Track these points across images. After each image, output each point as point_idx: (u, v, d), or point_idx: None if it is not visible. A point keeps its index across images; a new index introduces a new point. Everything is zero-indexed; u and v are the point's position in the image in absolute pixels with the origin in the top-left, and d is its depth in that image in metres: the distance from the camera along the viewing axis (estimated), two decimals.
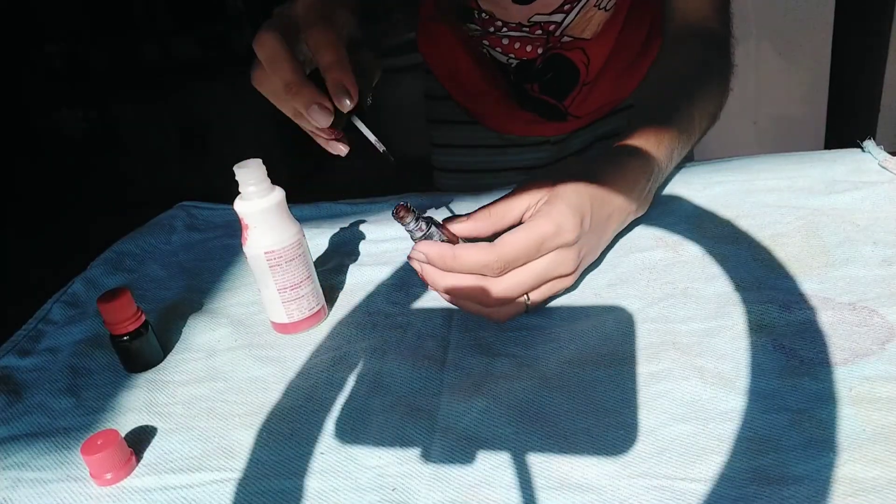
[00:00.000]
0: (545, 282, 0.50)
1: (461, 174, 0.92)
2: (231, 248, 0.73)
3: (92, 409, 0.52)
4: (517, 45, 0.78)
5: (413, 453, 0.43)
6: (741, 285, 0.53)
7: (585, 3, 0.74)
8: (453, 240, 0.51)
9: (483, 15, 0.75)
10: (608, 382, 0.46)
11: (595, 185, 0.52)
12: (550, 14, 0.74)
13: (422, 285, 0.60)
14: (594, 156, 0.55)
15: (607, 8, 0.76)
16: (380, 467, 0.42)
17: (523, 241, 0.48)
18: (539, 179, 0.52)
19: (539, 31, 0.76)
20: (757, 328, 0.48)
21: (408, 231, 0.51)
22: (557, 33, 0.77)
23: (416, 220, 0.50)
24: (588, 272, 0.58)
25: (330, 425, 0.46)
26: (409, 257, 0.51)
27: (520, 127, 0.86)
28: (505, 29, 0.76)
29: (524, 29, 0.76)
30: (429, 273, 0.50)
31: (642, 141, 0.57)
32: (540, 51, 0.79)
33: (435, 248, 0.49)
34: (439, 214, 0.70)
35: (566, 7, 0.74)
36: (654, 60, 0.73)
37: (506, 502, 0.39)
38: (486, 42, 0.80)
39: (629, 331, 0.50)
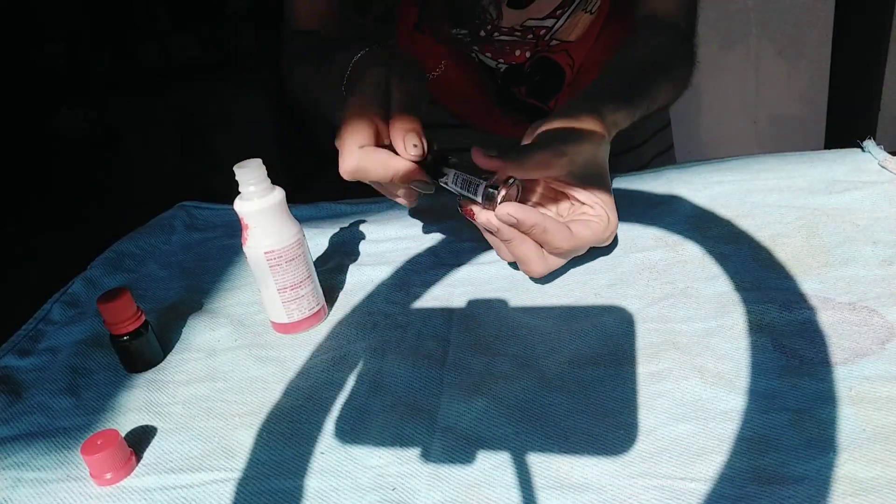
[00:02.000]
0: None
1: None
2: (231, 248, 0.73)
3: (92, 409, 0.52)
4: (506, 50, 0.78)
5: (413, 453, 0.43)
6: (741, 285, 0.53)
7: (575, 8, 0.75)
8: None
9: (477, 21, 0.75)
10: (608, 382, 0.46)
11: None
12: (543, 19, 0.75)
13: (422, 285, 0.60)
14: (591, 137, 0.57)
15: (592, 11, 0.77)
16: (380, 467, 0.42)
17: (589, 240, 0.54)
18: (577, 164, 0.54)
19: (530, 36, 0.77)
20: (757, 328, 0.48)
21: (457, 188, 0.53)
22: (547, 37, 0.77)
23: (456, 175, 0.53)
24: (588, 272, 0.58)
25: (330, 425, 0.46)
26: (470, 211, 0.53)
27: (505, 129, 0.86)
28: (496, 34, 0.76)
29: (516, 33, 0.76)
30: (504, 229, 0.52)
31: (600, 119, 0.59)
32: (528, 54, 0.79)
33: (529, 218, 0.51)
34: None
35: (558, 12, 0.75)
36: (619, 48, 0.75)
37: (506, 502, 0.39)
38: (475, 47, 0.80)
39: (629, 331, 0.50)
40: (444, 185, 0.53)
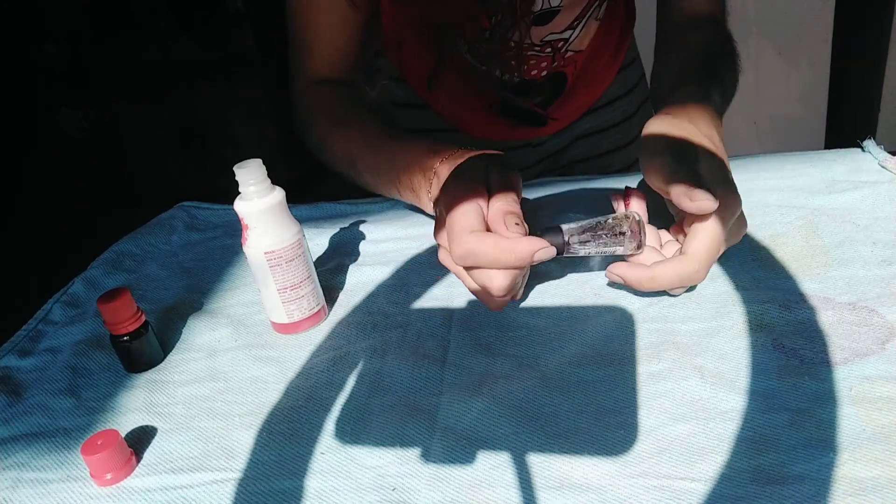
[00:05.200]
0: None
1: None
2: (231, 248, 0.73)
3: (92, 409, 0.52)
4: (524, 68, 0.78)
5: (413, 453, 0.43)
6: (741, 285, 0.53)
7: (588, 17, 0.75)
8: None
9: (509, 37, 0.74)
10: (608, 382, 0.46)
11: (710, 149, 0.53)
12: (562, 32, 0.75)
13: (422, 285, 0.60)
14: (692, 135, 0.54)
15: (599, 17, 0.77)
16: (380, 467, 0.42)
17: (714, 242, 0.49)
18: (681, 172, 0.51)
19: (548, 50, 0.77)
20: (757, 328, 0.48)
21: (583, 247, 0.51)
22: (563, 49, 0.77)
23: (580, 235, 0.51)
24: (588, 272, 0.58)
25: (330, 425, 0.46)
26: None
27: (501, 132, 0.86)
28: (516, 49, 0.76)
29: (535, 48, 0.76)
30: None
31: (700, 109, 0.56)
32: (545, 73, 0.79)
33: (631, 272, 0.50)
34: None
35: (575, 24, 0.75)
36: (664, 48, 0.74)
37: (506, 502, 0.39)
38: (490, 60, 0.79)
39: (629, 331, 0.50)
40: (571, 253, 0.51)
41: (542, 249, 0.48)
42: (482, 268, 0.49)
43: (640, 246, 0.51)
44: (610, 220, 0.51)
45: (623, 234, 0.51)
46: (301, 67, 0.75)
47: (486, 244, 0.48)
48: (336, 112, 0.72)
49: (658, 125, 0.54)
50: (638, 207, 0.57)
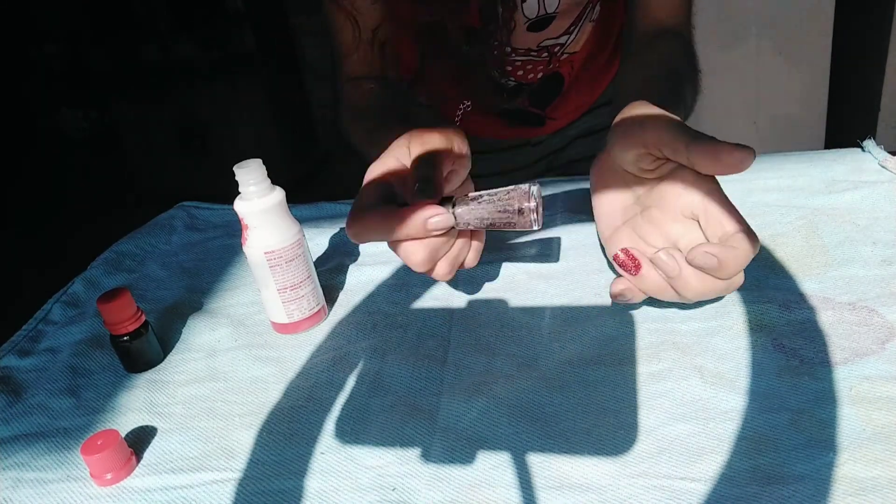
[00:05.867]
0: None
1: None
2: (231, 248, 0.73)
3: (92, 409, 0.52)
4: (520, 73, 0.78)
5: (413, 453, 0.43)
6: (741, 285, 0.53)
7: (584, 21, 0.75)
8: None
9: (493, 41, 0.75)
10: (608, 382, 0.46)
11: None
12: (558, 37, 0.75)
13: (422, 285, 0.60)
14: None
15: (593, 19, 0.78)
16: (380, 467, 0.42)
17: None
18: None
19: (545, 54, 0.77)
20: (757, 328, 0.48)
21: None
22: (559, 53, 0.77)
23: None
24: (588, 272, 0.58)
25: (330, 425, 0.46)
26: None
27: (500, 132, 0.86)
28: (514, 55, 0.76)
29: (532, 53, 0.76)
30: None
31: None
32: (541, 75, 0.79)
33: (726, 250, 0.44)
34: None
35: (571, 28, 0.75)
36: (628, 58, 0.74)
37: (506, 502, 0.39)
38: (489, 64, 0.79)
39: (629, 331, 0.50)
40: (462, 225, 0.47)
41: (434, 217, 0.44)
42: (395, 241, 0.46)
43: (535, 222, 0.46)
44: (505, 193, 0.46)
45: (520, 210, 0.45)
46: (339, 68, 0.77)
47: (374, 218, 0.45)
48: (358, 107, 0.74)
49: (633, 110, 0.52)
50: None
